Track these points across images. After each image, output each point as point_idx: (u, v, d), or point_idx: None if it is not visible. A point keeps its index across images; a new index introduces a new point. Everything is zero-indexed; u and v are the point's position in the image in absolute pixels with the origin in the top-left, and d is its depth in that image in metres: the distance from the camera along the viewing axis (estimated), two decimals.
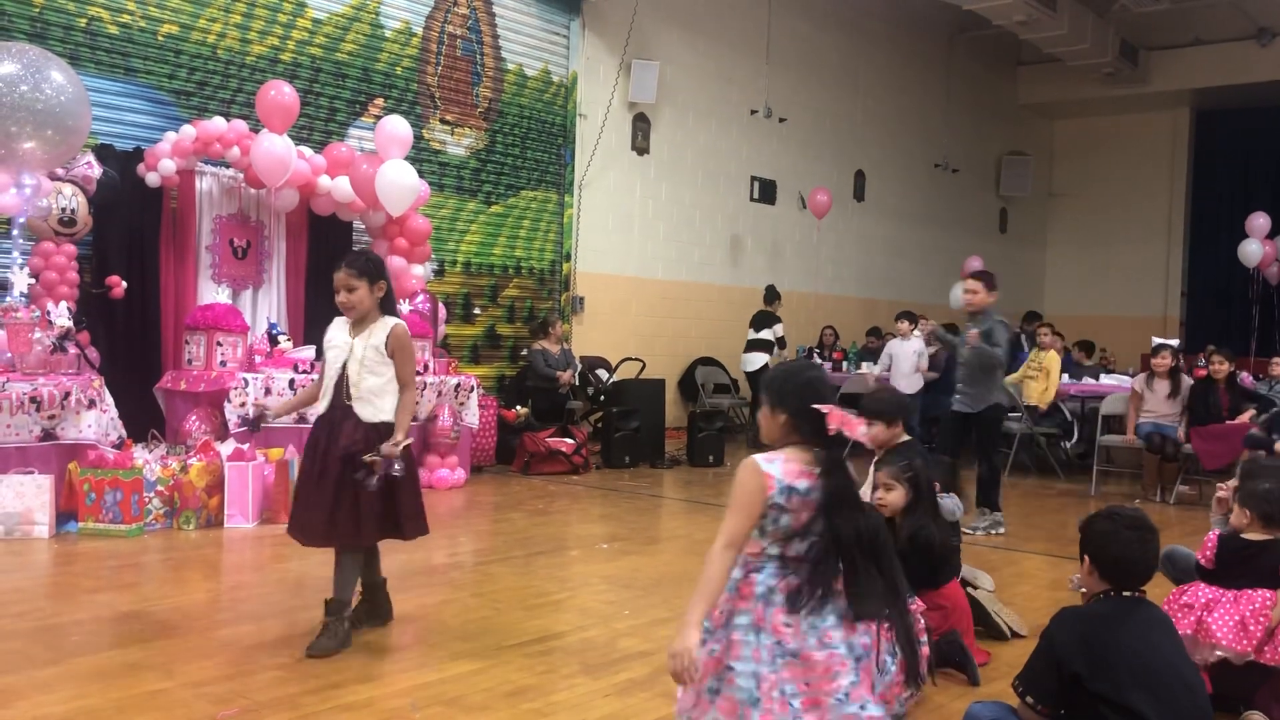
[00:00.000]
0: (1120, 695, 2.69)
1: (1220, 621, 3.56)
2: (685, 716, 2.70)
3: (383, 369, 3.92)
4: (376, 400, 3.91)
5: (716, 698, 2.62)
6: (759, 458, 2.63)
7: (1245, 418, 8.39)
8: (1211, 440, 8.13)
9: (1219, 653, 3.53)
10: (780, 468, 2.59)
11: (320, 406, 4.00)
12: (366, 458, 3.76)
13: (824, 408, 2.61)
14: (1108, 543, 2.90)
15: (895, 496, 4.12)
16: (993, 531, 6.79)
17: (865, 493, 5.13)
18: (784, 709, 2.56)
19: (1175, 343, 9.49)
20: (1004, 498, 7.07)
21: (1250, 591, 3.58)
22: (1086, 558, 2.95)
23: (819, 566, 2.59)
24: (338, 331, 4.02)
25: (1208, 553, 3.77)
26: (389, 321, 3.96)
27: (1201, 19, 15.37)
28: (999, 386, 6.97)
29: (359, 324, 3.96)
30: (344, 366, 3.92)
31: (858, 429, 2.59)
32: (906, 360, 10.13)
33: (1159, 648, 2.81)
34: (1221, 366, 8.61)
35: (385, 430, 3.89)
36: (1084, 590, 3.12)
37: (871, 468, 5.35)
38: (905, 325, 10.23)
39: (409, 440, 3.89)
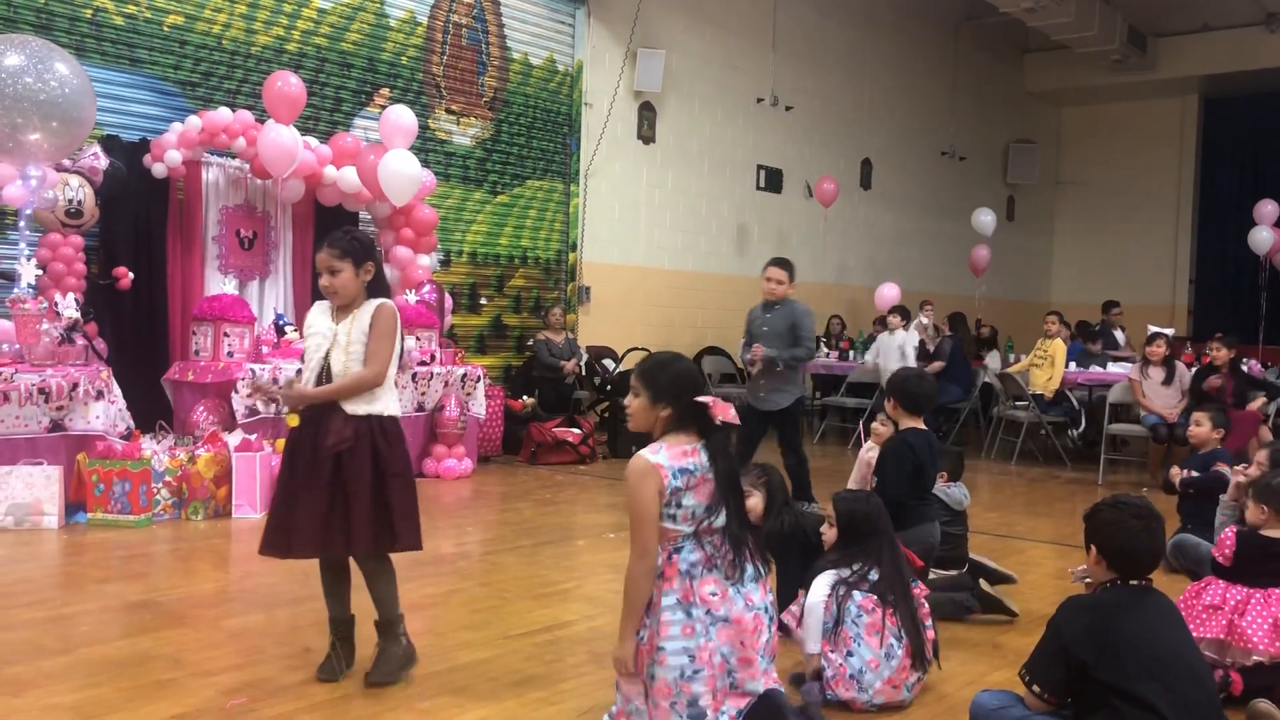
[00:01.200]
0: (1127, 684, 2.69)
1: (1255, 625, 3.51)
2: (631, 705, 2.87)
3: None
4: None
5: (653, 682, 2.79)
6: (645, 453, 2.80)
7: (1255, 406, 8.36)
8: None
9: (1255, 658, 3.49)
10: (666, 456, 2.77)
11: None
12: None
13: (706, 399, 2.81)
14: (1114, 532, 2.89)
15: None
16: None
17: (853, 482, 5.16)
18: (722, 669, 2.79)
19: (1170, 331, 9.47)
20: (1011, 486, 7.05)
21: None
22: (1093, 547, 2.94)
23: (734, 535, 2.82)
24: (319, 317, 3.58)
25: (1226, 550, 3.71)
26: (375, 302, 3.53)
27: (1210, 5, 15.26)
28: (800, 380, 6.92)
29: (344, 309, 3.53)
30: (326, 356, 3.49)
31: (729, 411, 2.80)
32: (891, 353, 10.22)
33: (1166, 637, 2.81)
34: (1221, 353, 8.57)
35: (378, 423, 3.47)
36: (1088, 580, 3.12)
37: (863, 449, 5.37)
38: (896, 319, 10.37)
39: (299, 394, 3.48)
